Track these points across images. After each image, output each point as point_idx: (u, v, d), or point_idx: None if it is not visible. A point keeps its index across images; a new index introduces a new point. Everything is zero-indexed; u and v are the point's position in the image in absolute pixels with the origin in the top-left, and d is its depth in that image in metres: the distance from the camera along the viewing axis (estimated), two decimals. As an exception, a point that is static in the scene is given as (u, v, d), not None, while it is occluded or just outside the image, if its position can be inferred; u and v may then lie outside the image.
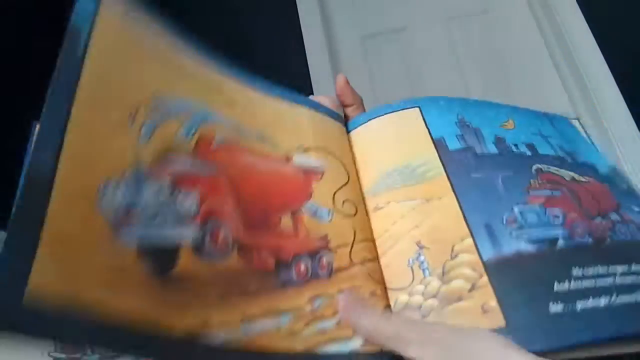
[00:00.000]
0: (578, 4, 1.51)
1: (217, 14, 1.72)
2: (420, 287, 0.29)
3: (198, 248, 0.26)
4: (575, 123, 0.44)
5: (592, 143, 0.43)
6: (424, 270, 0.30)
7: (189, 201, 0.27)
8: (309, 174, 0.35)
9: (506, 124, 0.40)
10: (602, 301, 0.28)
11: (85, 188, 0.23)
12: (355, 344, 0.28)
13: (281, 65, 1.63)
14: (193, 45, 0.33)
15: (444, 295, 0.29)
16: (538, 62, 1.53)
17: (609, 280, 0.29)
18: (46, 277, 0.19)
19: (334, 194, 0.34)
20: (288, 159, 0.34)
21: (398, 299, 0.30)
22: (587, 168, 0.38)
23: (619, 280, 0.29)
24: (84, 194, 0.22)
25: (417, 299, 0.29)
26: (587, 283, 0.29)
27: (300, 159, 0.35)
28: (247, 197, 0.31)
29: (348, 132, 0.40)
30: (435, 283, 0.29)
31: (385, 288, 0.31)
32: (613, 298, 0.28)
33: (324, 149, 0.37)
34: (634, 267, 0.30)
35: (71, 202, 0.22)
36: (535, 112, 0.43)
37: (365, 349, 0.28)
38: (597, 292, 0.28)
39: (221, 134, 0.31)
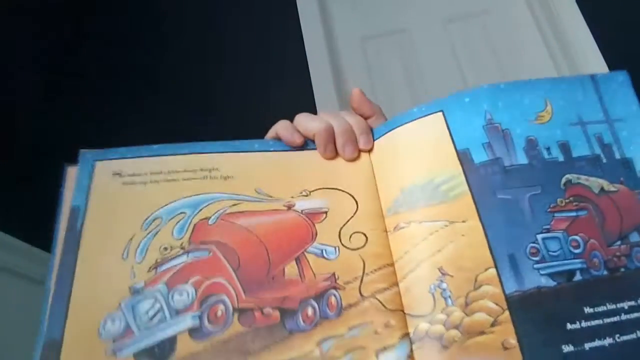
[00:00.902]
0: (578, 4, 1.47)
1: (217, 16, 1.68)
2: (442, 316, 0.30)
3: (195, 330, 0.30)
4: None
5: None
6: (446, 299, 0.31)
7: (184, 295, 0.31)
8: (312, 217, 0.36)
9: (542, 114, 0.38)
10: (607, 341, 0.30)
11: (87, 333, 0.30)
12: None
13: (281, 67, 1.66)
14: (182, 148, 0.38)
15: (467, 328, 0.30)
16: (538, 63, 1.52)
17: (615, 319, 0.31)
18: None
19: (340, 231, 0.35)
20: (289, 208, 0.36)
21: (418, 327, 0.31)
22: (621, 168, 0.37)
23: (624, 317, 0.31)
24: (87, 338, 0.29)
25: (439, 328, 0.30)
26: (595, 322, 0.30)
27: (302, 204, 0.36)
28: (247, 260, 0.33)
29: None
30: (458, 313, 0.30)
31: (403, 314, 0.32)
32: (617, 337, 0.30)
33: (327, 186, 0.37)
34: None
35: (77, 349, 0.29)
36: (582, 81, 0.39)
37: None
38: (604, 331, 0.30)
39: (217, 209, 0.35)
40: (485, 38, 1.60)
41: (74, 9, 1.67)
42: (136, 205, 0.35)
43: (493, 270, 0.31)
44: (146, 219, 0.34)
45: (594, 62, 1.42)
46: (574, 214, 0.35)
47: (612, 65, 1.40)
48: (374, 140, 0.40)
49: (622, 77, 0.40)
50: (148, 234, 0.33)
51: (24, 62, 1.56)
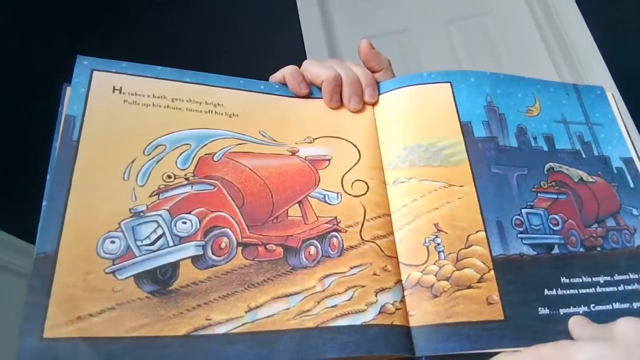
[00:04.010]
0: (578, 5, 1.50)
1: (218, 16, 1.64)
2: (434, 268, 0.32)
3: (198, 259, 0.30)
4: (609, 95, 0.45)
5: (618, 119, 0.44)
6: (439, 253, 0.33)
7: (187, 224, 0.31)
8: (316, 163, 0.36)
9: (532, 108, 0.42)
10: (582, 309, 0.33)
11: (85, 249, 0.28)
12: (366, 317, 0.30)
13: (281, 67, 1.57)
14: (185, 75, 0.37)
15: (456, 280, 0.32)
16: (538, 63, 1.54)
17: (590, 291, 0.34)
18: (56, 323, 0.26)
19: (342, 178, 0.36)
20: (293, 153, 0.36)
21: (410, 274, 0.32)
22: (599, 163, 0.41)
23: (599, 289, 0.34)
24: (84, 254, 0.28)
25: (430, 278, 0.32)
26: (571, 291, 0.33)
27: (306, 151, 0.36)
28: (251, 199, 0.33)
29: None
30: (449, 267, 0.32)
31: (397, 262, 0.33)
32: (591, 307, 0.33)
33: (331, 135, 0.38)
34: (617, 277, 0.35)
35: (73, 264, 0.28)
36: (565, 87, 0.44)
37: (377, 321, 0.30)
38: (579, 300, 0.33)
39: (222, 147, 0.35)
40: (485, 38, 1.62)
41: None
42: (138, 127, 0.33)
43: (482, 233, 0.34)
44: (149, 143, 0.33)
45: (594, 62, 1.45)
46: (554, 196, 0.38)
47: (611, 65, 1.42)
48: (379, 94, 0.41)
49: (599, 91, 0.45)
50: (151, 159, 0.32)
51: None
